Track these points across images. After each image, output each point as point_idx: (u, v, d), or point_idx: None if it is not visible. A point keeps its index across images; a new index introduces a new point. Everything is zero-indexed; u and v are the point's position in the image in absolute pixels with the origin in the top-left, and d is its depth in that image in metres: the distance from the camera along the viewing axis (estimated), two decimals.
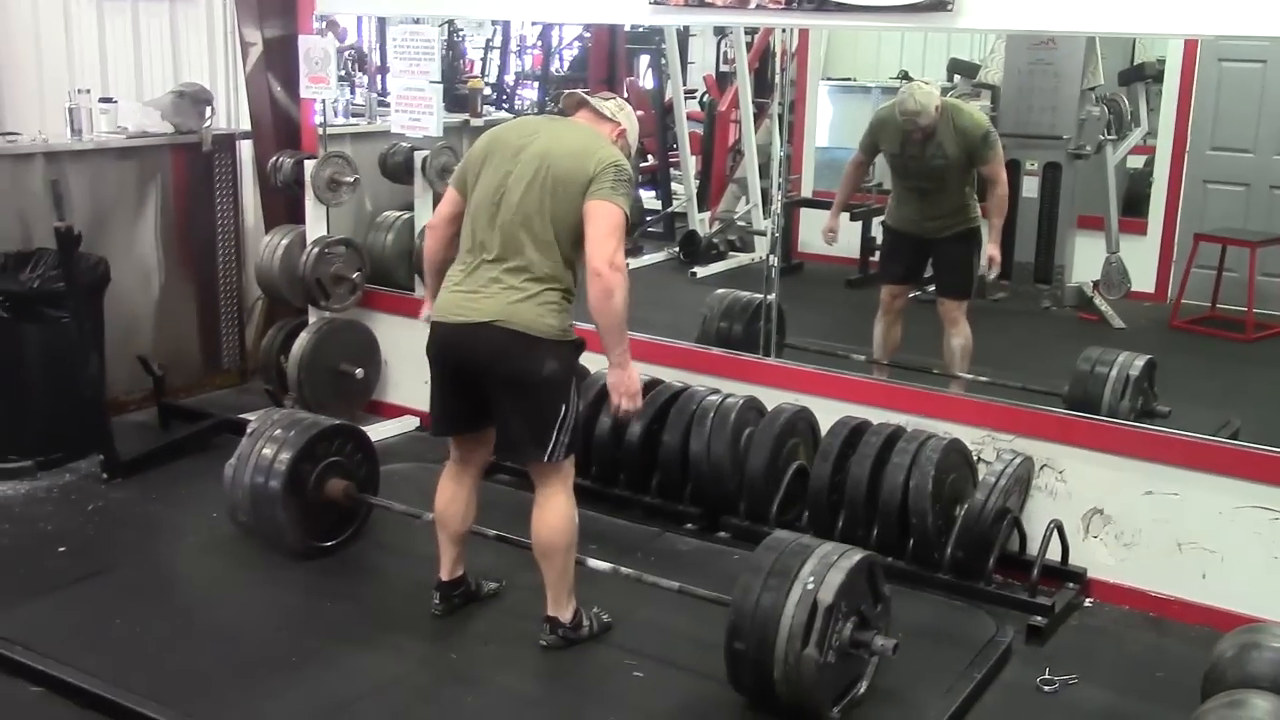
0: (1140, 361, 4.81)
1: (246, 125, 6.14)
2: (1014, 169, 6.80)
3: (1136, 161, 7.78)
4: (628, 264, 3.40)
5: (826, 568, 3.23)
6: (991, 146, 5.20)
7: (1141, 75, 7.42)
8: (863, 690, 3.36)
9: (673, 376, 4.91)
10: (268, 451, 4.12)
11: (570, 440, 3.53)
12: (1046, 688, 3.63)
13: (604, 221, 3.33)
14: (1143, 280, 7.26)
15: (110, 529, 4.57)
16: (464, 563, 3.87)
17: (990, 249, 5.27)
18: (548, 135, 3.49)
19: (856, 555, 3.30)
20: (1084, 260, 7.27)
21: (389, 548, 4.38)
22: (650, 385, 4.69)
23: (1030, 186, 7.23)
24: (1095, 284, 7.10)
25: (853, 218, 7.20)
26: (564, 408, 3.48)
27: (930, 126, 5.10)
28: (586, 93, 3.73)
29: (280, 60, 5.76)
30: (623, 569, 3.86)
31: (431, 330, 3.59)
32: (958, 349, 5.32)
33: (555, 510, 3.56)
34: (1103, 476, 4.20)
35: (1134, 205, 7.58)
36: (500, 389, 3.49)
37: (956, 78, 7.84)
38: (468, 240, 3.52)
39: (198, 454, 5.23)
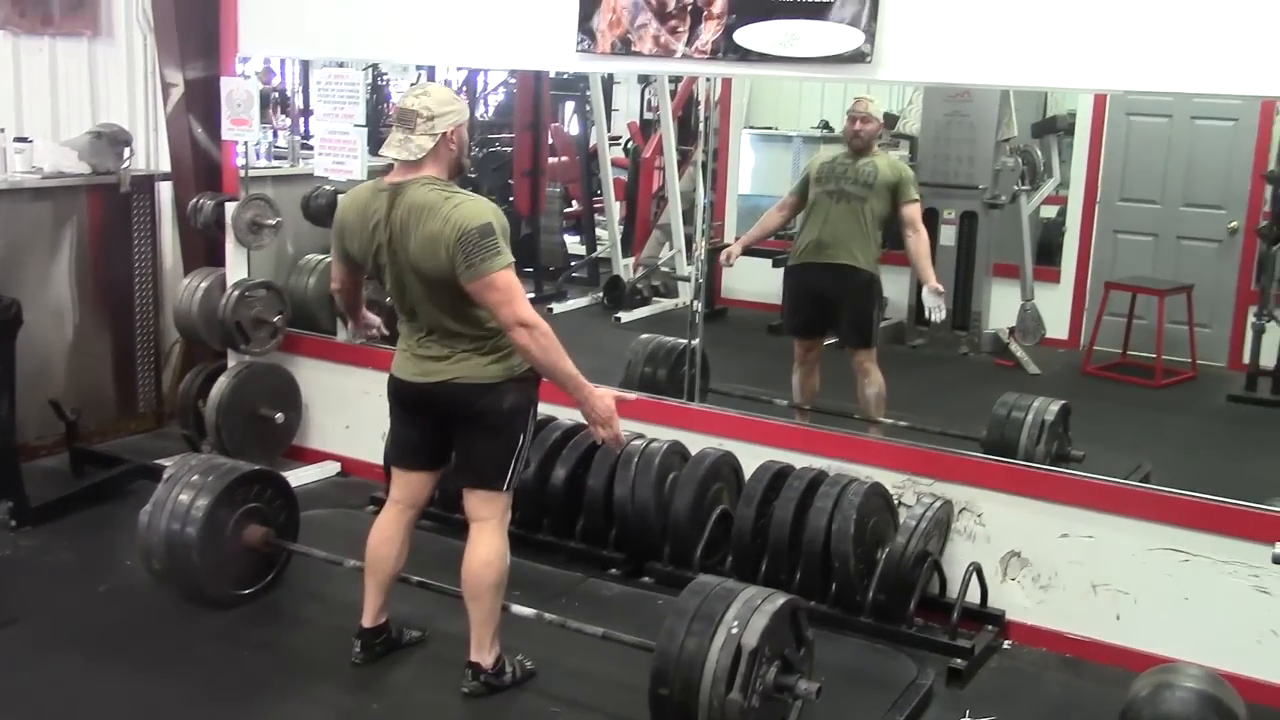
0: (1055, 406, 4.91)
1: (166, 166, 6.07)
2: (932, 218, 6.94)
3: (1050, 211, 7.97)
4: (548, 313, 3.42)
5: (750, 612, 3.24)
6: (916, 186, 5.41)
7: (1054, 128, 7.62)
8: None
9: None
10: (184, 497, 4.04)
11: (521, 469, 3.63)
12: None
13: (491, 294, 3.33)
14: (1056, 327, 7.43)
15: (19, 578, 4.45)
16: (388, 609, 3.83)
17: (933, 284, 5.33)
18: (397, 229, 3.40)
19: (780, 599, 3.31)
20: (1000, 307, 7.43)
21: (309, 595, 4.31)
22: (575, 429, 4.70)
23: (948, 235, 7.39)
24: (1011, 330, 7.25)
25: (775, 264, 7.28)
26: (522, 437, 3.57)
27: (873, 129, 5.37)
28: (403, 116, 3.42)
29: (202, 101, 5.71)
30: (547, 615, 3.84)
31: (390, 380, 3.65)
32: (871, 396, 5.40)
33: (489, 545, 3.57)
34: (1020, 520, 4.26)
35: (1048, 254, 7.74)
36: (464, 425, 3.56)
37: None
38: (399, 313, 3.58)
39: (111, 500, 5.11)
